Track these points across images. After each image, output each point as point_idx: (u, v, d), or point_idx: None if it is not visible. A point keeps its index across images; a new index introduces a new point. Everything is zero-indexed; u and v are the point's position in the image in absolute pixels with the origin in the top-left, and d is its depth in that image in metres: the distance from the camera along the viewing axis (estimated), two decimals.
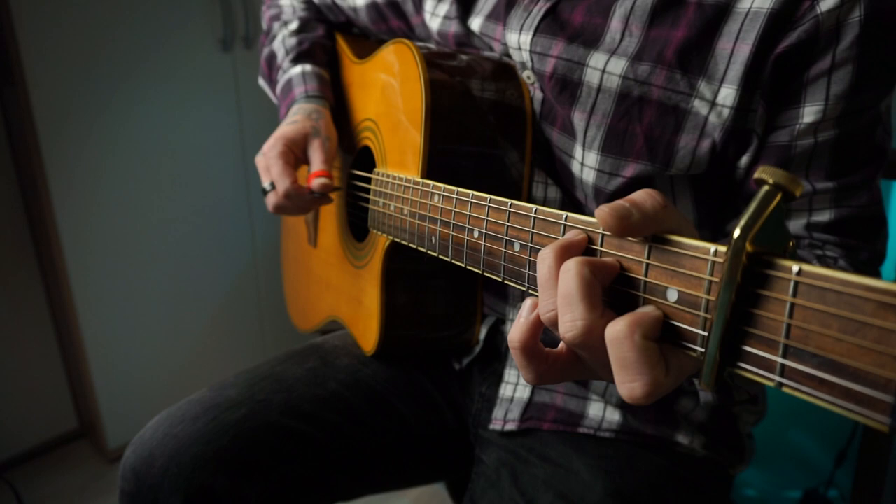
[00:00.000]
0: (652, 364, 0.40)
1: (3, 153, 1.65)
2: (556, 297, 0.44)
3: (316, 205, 0.91)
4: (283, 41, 1.04)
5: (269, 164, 0.87)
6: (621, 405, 0.80)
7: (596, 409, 0.81)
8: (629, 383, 0.40)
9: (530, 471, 0.79)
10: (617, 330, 0.40)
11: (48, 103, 1.52)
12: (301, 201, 0.87)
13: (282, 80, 1.00)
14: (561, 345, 0.49)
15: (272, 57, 1.06)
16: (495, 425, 0.84)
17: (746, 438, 0.86)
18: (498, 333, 0.89)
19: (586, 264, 0.43)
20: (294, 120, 0.91)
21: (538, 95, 0.78)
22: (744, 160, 0.69)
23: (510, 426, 0.83)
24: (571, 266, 0.43)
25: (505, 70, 0.80)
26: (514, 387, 0.85)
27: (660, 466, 0.79)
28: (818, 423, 1.47)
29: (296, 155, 0.89)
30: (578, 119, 0.73)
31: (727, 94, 0.66)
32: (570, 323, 0.42)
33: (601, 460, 0.78)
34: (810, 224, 0.70)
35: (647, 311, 0.42)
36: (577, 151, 0.74)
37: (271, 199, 0.88)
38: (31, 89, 1.48)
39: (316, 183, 0.85)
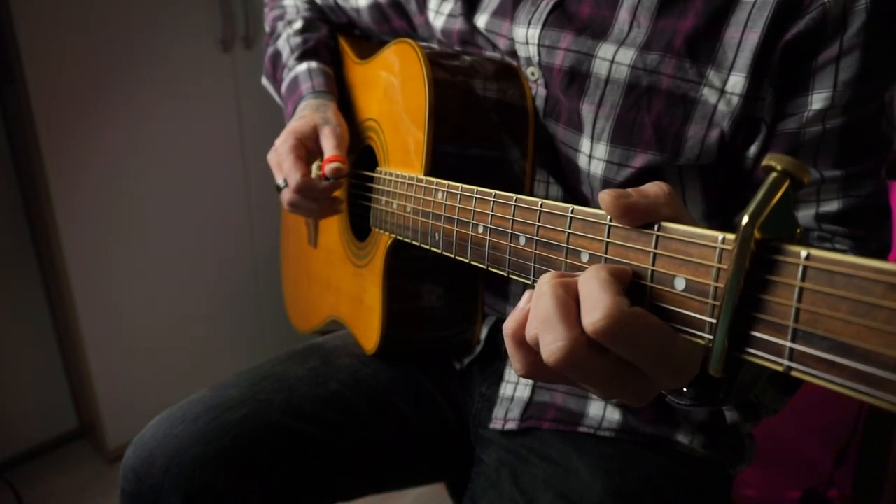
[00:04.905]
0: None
1: (3, 153, 1.64)
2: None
3: (328, 200, 0.88)
4: (287, 40, 1.04)
5: (280, 159, 0.87)
6: (621, 405, 0.80)
7: (596, 409, 0.81)
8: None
9: (530, 470, 0.79)
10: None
11: (48, 103, 1.51)
12: (314, 193, 0.85)
13: (287, 77, 1.00)
14: None
15: (277, 55, 1.06)
16: (496, 424, 0.84)
17: (746, 438, 0.85)
18: (499, 333, 0.89)
19: (561, 285, 0.42)
20: (302, 115, 0.90)
21: (541, 92, 0.78)
22: (752, 149, 0.70)
23: (510, 425, 0.83)
24: (546, 288, 0.42)
25: (507, 70, 0.80)
26: (515, 386, 0.85)
27: (660, 466, 0.79)
28: (818, 423, 1.47)
29: (307, 148, 0.88)
30: (587, 111, 0.73)
31: (736, 82, 0.67)
32: (553, 345, 0.40)
33: (601, 460, 0.78)
34: (819, 215, 0.70)
35: None
36: (585, 144, 0.74)
37: (285, 196, 0.88)
38: (31, 89, 1.48)
39: (329, 168, 0.84)
